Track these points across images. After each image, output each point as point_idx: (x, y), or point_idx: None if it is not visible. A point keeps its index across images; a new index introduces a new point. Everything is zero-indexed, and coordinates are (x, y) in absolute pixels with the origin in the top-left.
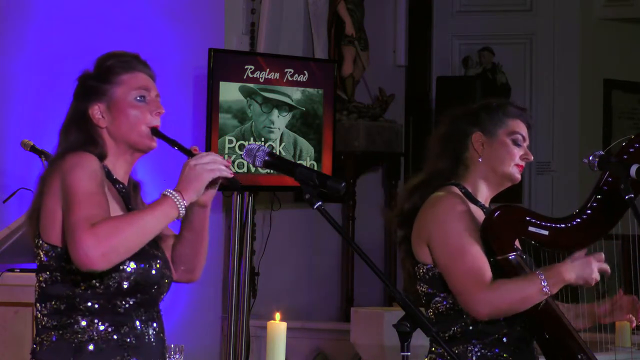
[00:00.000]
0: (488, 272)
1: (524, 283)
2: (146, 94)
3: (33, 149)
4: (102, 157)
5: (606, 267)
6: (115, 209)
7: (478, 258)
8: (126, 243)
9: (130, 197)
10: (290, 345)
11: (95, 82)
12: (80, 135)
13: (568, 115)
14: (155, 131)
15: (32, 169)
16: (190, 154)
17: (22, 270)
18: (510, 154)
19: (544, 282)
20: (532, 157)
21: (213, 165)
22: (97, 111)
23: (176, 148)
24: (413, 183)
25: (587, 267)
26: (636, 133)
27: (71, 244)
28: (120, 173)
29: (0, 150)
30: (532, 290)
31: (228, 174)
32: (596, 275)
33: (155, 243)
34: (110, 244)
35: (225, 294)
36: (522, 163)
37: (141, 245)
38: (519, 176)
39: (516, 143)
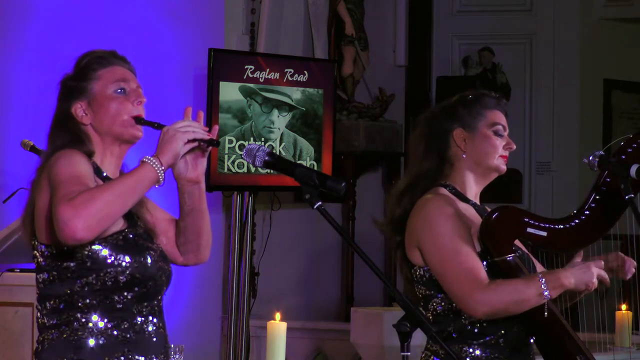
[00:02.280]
0: (483, 272)
1: (523, 285)
2: (125, 86)
3: (33, 149)
4: (89, 154)
5: (605, 275)
6: None
7: (471, 258)
8: (105, 208)
9: None
10: (290, 345)
11: (74, 82)
12: (66, 136)
13: (568, 115)
14: (138, 119)
15: (32, 169)
16: None
17: (22, 270)
18: (493, 146)
19: (543, 285)
20: (515, 146)
21: (187, 128)
22: (79, 109)
23: (160, 129)
24: (400, 188)
25: (587, 273)
26: (634, 133)
27: (54, 222)
28: (110, 169)
29: (0, 150)
30: (530, 293)
31: (203, 135)
32: (596, 281)
33: (150, 237)
34: (88, 212)
35: (225, 294)
36: (506, 153)
37: (122, 210)
38: (504, 167)
39: (497, 134)
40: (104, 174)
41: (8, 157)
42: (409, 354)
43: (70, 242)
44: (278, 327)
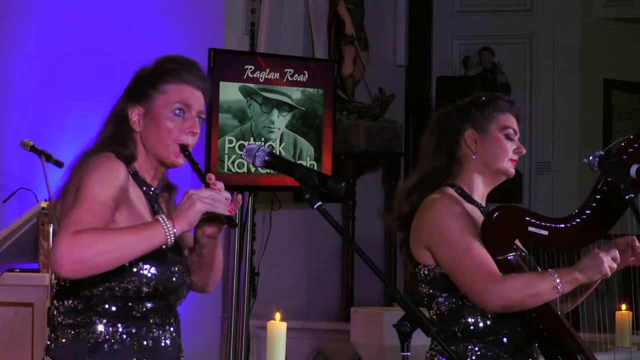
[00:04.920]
0: (495, 266)
1: (537, 279)
2: (186, 110)
3: (33, 149)
4: (131, 158)
5: (615, 253)
6: (140, 211)
7: (483, 253)
8: (100, 258)
9: (157, 200)
10: (290, 345)
11: (143, 84)
12: (115, 133)
13: (568, 115)
14: (183, 148)
15: (32, 169)
16: (204, 181)
17: (22, 270)
18: (503, 149)
19: (556, 280)
20: (525, 150)
21: (208, 200)
22: (135, 114)
23: (195, 172)
24: (409, 184)
25: (599, 265)
26: (635, 133)
27: (53, 243)
28: (148, 178)
29: (0, 150)
30: (544, 286)
31: (223, 210)
32: (610, 264)
33: (180, 250)
34: (82, 255)
35: (225, 294)
36: (516, 157)
37: (118, 262)
38: (513, 170)
39: (508, 137)
40: (143, 179)
41: (8, 157)
42: (409, 354)
43: (53, 272)
44: (278, 327)
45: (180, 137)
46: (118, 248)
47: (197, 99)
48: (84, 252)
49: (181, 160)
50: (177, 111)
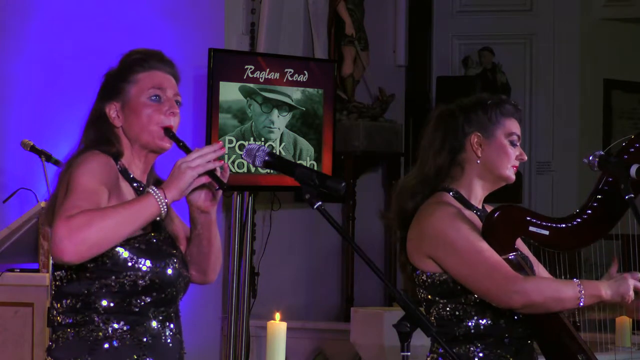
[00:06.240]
0: (507, 266)
1: (562, 285)
2: (161, 94)
3: (33, 149)
4: (118, 155)
5: None
6: None
7: (494, 254)
8: (98, 235)
9: None
10: (290, 345)
11: (114, 80)
12: (97, 134)
13: (568, 116)
14: (167, 131)
15: (32, 169)
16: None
17: (22, 270)
18: (507, 155)
19: (581, 292)
20: (526, 157)
21: (198, 161)
22: (112, 110)
23: (182, 149)
24: (412, 183)
25: (624, 285)
26: (636, 133)
27: (52, 234)
28: (137, 172)
29: (0, 150)
30: (569, 294)
31: (212, 165)
32: (632, 293)
33: (173, 242)
34: (81, 236)
35: (225, 294)
36: (517, 163)
37: (117, 239)
38: (514, 177)
39: (512, 144)
40: (131, 175)
41: (8, 157)
42: (409, 354)
43: (57, 261)
44: (278, 327)
45: (161, 120)
46: (114, 224)
47: (169, 82)
48: (82, 232)
49: (167, 143)
50: (153, 97)
